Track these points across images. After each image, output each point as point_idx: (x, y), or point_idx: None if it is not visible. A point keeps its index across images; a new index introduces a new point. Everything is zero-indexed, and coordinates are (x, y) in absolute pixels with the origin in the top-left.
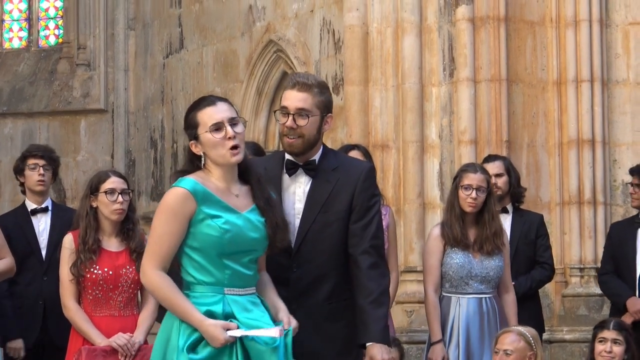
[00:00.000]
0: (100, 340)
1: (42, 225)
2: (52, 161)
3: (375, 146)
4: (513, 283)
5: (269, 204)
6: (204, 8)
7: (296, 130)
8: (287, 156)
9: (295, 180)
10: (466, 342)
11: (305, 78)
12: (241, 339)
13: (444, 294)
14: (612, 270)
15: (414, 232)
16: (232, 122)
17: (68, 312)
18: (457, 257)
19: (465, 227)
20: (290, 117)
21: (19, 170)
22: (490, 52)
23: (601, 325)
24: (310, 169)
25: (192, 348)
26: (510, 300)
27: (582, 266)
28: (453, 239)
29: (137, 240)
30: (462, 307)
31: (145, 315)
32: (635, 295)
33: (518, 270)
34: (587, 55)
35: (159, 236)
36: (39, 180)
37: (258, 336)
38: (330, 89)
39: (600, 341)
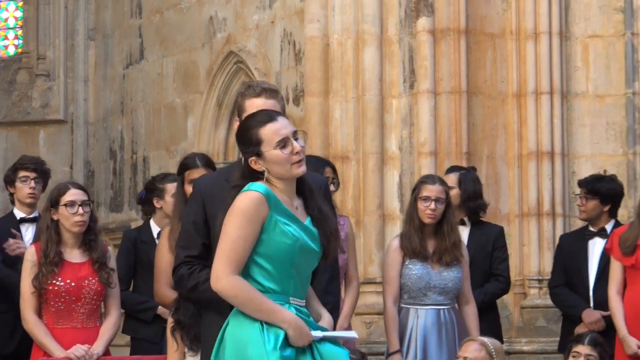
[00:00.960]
0: (59, 352)
1: (28, 234)
2: (43, 174)
3: (336, 157)
4: None
5: (321, 214)
6: (165, 19)
7: None
8: None
9: None
10: (423, 352)
11: (268, 85)
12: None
13: (402, 305)
14: (563, 282)
15: (374, 244)
16: (295, 136)
17: (27, 325)
18: (415, 269)
19: (424, 238)
20: None
21: (9, 181)
22: (451, 64)
23: (577, 339)
24: None
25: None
26: (470, 311)
27: (540, 278)
28: (412, 250)
29: (99, 251)
30: (420, 318)
31: (107, 327)
32: (589, 307)
33: (473, 283)
34: (546, 67)
35: (233, 241)
36: (29, 194)
37: (336, 337)
38: (291, 100)
39: (574, 356)
